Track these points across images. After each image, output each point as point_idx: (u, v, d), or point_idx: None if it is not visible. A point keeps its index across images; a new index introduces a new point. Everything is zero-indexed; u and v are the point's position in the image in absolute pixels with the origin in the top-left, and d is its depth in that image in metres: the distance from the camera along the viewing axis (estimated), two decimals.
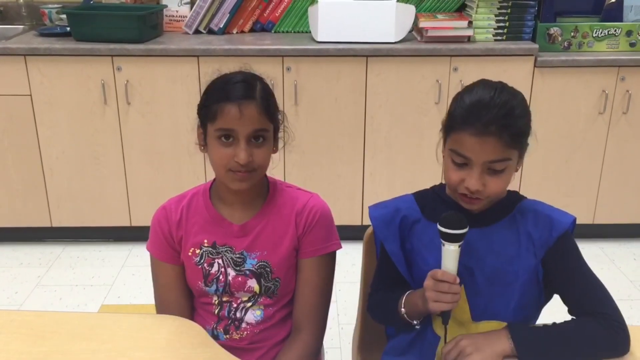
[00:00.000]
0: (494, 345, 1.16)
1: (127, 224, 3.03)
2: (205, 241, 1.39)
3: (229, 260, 1.37)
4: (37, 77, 2.79)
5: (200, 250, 1.39)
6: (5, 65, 2.77)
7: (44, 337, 1.23)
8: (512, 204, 1.30)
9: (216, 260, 1.38)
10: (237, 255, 1.38)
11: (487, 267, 1.26)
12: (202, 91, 1.36)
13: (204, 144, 1.35)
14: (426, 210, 1.33)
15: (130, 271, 2.90)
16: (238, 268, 1.37)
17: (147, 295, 2.64)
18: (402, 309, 1.28)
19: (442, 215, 1.21)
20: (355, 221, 3.01)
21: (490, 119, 1.16)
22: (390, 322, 1.42)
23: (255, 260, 1.37)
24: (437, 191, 1.36)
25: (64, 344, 1.21)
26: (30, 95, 2.81)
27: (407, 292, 1.30)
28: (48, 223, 3.03)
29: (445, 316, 1.22)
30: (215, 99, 1.29)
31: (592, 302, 1.20)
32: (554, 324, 1.20)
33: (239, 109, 1.26)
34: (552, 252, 1.25)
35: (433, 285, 1.19)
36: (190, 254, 1.39)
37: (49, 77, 2.79)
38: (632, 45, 2.90)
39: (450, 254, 1.19)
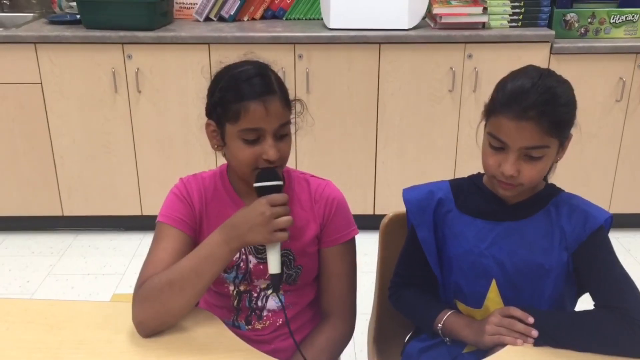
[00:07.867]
0: None
1: (138, 213, 3.03)
2: None
3: (250, 248, 1.34)
4: (47, 65, 2.77)
5: None
6: (16, 53, 2.75)
7: (58, 326, 1.22)
8: (548, 197, 1.29)
9: None
10: None
11: (518, 260, 1.26)
12: (210, 84, 1.28)
13: (221, 144, 1.28)
14: (459, 201, 1.33)
15: (142, 260, 2.86)
16: (260, 256, 1.34)
17: None
18: (439, 325, 1.30)
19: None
20: (367, 210, 2.99)
21: (530, 104, 1.15)
22: (412, 320, 1.42)
23: None
24: (474, 180, 1.36)
25: (78, 334, 1.20)
26: (41, 83, 2.80)
27: (450, 313, 1.30)
28: (59, 212, 3.02)
29: None
30: (233, 98, 1.22)
31: (617, 297, 1.18)
32: (572, 311, 1.19)
33: (264, 107, 1.20)
34: (584, 247, 1.23)
35: (499, 322, 1.20)
36: None
37: (59, 65, 2.77)
38: None
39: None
